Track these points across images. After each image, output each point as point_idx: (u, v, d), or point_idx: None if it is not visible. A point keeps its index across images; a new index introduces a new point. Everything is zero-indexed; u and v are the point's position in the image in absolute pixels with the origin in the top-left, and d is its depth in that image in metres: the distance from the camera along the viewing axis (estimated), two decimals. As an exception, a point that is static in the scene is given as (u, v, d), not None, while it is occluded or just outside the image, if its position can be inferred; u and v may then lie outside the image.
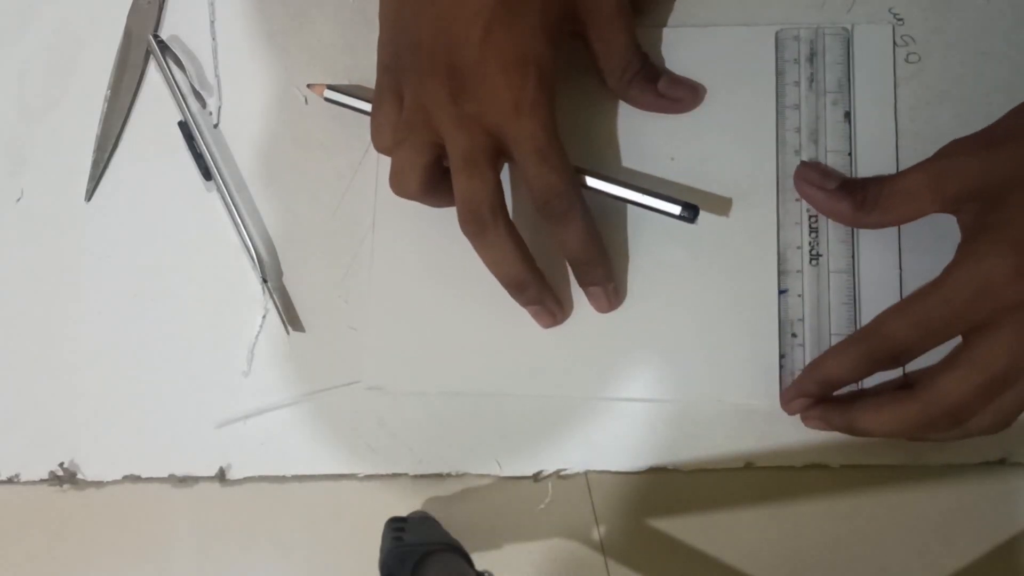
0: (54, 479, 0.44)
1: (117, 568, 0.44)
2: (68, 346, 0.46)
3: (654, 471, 0.41)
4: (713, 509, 0.40)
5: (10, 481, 0.45)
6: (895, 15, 0.42)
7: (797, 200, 0.41)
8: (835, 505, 0.40)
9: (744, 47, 0.43)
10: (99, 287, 0.46)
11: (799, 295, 0.40)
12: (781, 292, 0.41)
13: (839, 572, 0.40)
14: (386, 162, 0.44)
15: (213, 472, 0.43)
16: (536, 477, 0.42)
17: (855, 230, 0.40)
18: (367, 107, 0.43)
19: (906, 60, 0.42)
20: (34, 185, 0.48)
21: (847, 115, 0.41)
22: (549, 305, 0.41)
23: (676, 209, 0.39)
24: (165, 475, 0.44)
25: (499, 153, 0.39)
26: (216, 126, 0.47)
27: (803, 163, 0.41)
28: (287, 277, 0.45)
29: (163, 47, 0.47)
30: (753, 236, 0.41)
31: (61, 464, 0.44)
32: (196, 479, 0.44)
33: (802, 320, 0.40)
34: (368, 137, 0.45)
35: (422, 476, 0.42)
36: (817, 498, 0.40)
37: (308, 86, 0.46)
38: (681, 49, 0.43)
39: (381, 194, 0.44)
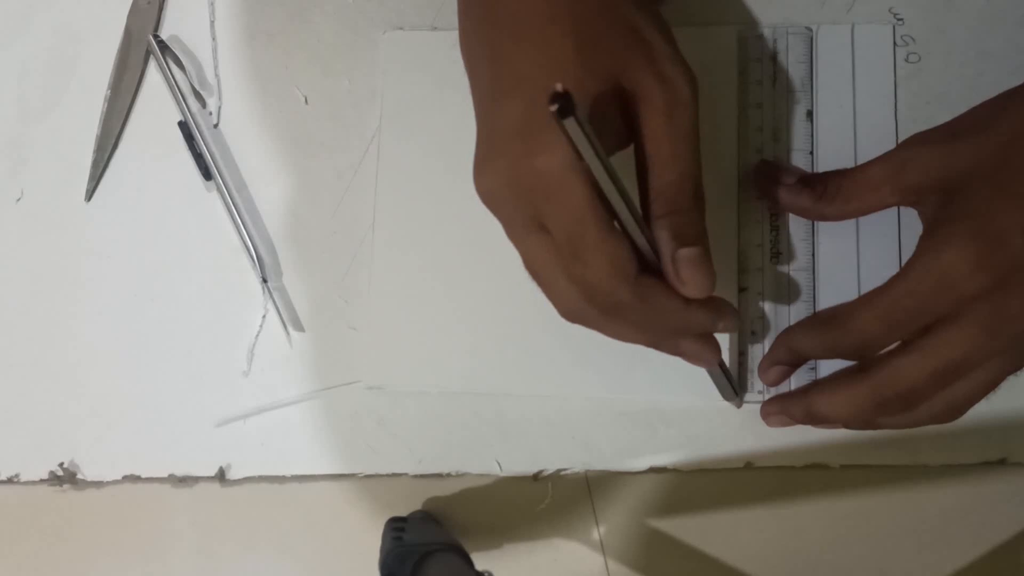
0: (54, 479, 0.44)
1: (117, 568, 0.44)
2: (68, 346, 0.46)
3: (654, 471, 0.41)
4: (713, 509, 0.40)
5: (10, 481, 0.45)
6: (895, 15, 0.42)
7: (759, 198, 0.41)
8: (835, 505, 0.40)
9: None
10: (99, 287, 0.46)
11: (759, 293, 0.41)
12: (741, 290, 0.41)
13: (839, 572, 0.40)
14: (386, 160, 0.44)
15: (213, 472, 0.43)
16: (536, 477, 0.42)
17: (815, 228, 0.40)
18: None
19: (906, 60, 0.42)
20: (34, 185, 0.47)
21: (809, 113, 0.41)
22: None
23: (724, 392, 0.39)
24: (165, 475, 0.44)
25: None
26: (216, 126, 0.47)
27: (762, 160, 0.41)
28: (287, 277, 0.45)
29: (163, 47, 0.47)
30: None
31: (61, 464, 0.44)
32: (196, 479, 0.44)
33: (762, 318, 0.40)
34: (369, 136, 0.45)
35: (422, 476, 0.42)
36: (817, 498, 0.40)
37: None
38: None
39: (381, 194, 0.44)
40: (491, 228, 0.43)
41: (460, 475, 0.42)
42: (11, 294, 0.46)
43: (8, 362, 0.46)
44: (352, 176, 0.45)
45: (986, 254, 0.32)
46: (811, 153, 0.41)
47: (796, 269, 0.40)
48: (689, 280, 0.33)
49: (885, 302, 0.34)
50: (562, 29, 0.33)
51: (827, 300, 0.40)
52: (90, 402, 0.45)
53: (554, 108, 0.26)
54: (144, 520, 0.44)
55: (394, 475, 0.42)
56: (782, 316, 0.40)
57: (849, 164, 0.39)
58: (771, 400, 0.39)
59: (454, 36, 0.38)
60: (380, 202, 0.44)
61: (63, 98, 0.48)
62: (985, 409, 0.39)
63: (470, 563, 0.36)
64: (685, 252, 0.33)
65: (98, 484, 0.44)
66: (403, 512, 0.41)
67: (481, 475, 0.42)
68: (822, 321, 0.37)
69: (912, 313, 0.33)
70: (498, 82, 0.34)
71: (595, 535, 0.41)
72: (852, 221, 0.40)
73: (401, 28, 0.45)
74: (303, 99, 0.46)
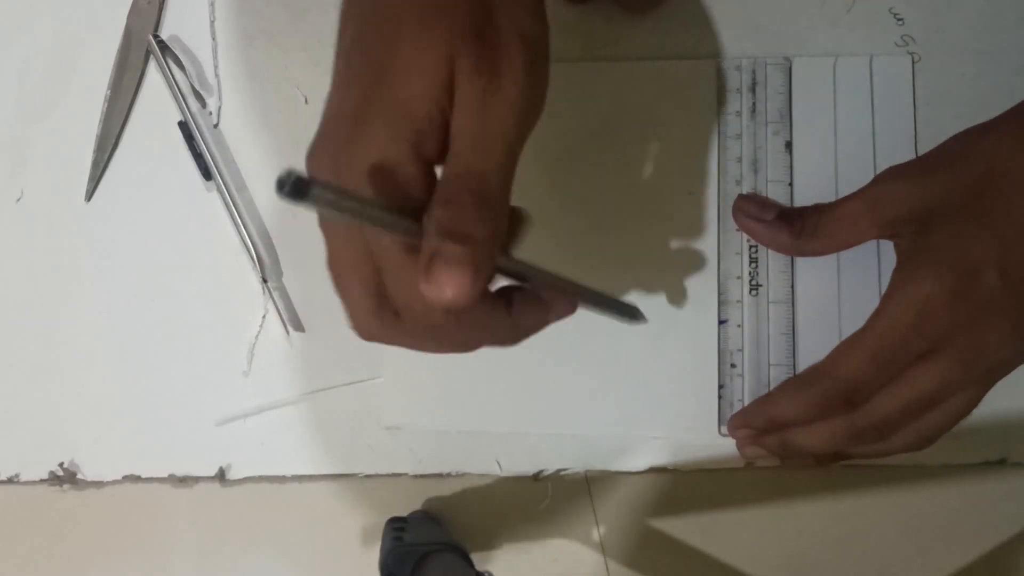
0: (54, 479, 0.44)
1: (117, 568, 0.44)
2: (68, 346, 0.46)
3: (654, 471, 0.41)
4: (713, 509, 0.40)
5: (10, 481, 0.45)
6: (895, 15, 0.42)
7: (737, 230, 0.41)
8: (835, 505, 0.40)
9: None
10: (99, 287, 0.46)
11: (739, 325, 0.40)
12: (721, 322, 0.40)
13: (839, 572, 0.40)
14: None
15: (213, 472, 0.43)
16: (536, 477, 0.42)
17: (794, 261, 0.40)
18: None
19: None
20: (34, 185, 0.48)
21: (788, 145, 0.41)
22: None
23: (624, 317, 0.37)
24: (165, 475, 0.44)
25: None
26: (216, 126, 0.47)
27: (740, 196, 0.41)
28: (287, 277, 0.45)
29: (163, 47, 0.47)
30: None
31: (61, 464, 0.44)
32: (196, 479, 0.44)
33: (741, 351, 0.40)
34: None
35: (422, 476, 0.42)
36: (817, 498, 0.40)
37: None
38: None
39: None
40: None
41: (460, 475, 0.42)
42: (11, 294, 0.46)
43: (8, 362, 0.46)
44: (352, 176, 0.45)
45: (962, 286, 0.32)
46: (790, 184, 0.41)
47: (776, 301, 0.40)
48: (435, 279, 0.27)
49: (868, 341, 0.34)
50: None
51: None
52: (90, 402, 0.45)
53: (284, 192, 0.24)
54: (144, 520, 0.44)
55: (394, 475, 0.42)
56: (762, 349, 0.40)
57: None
58: (747, 431, 0.39)
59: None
60: None
61: (63, 98, 0.48)
62: (985, 409, 0.39)
63: (470, 563, 0.36)
64: (446, 247, 0.27)
65: (98, 484, 0.44)
66: (403, 512, 0.41)
67: (481, 475, 0.42)
68: (804, 380, 0.36)
69: (895, 349, 0.33)
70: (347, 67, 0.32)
71: (595, 535, 0.41)
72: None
73: (401, 28, 0.45)
74: (303, 99, 0.46)
